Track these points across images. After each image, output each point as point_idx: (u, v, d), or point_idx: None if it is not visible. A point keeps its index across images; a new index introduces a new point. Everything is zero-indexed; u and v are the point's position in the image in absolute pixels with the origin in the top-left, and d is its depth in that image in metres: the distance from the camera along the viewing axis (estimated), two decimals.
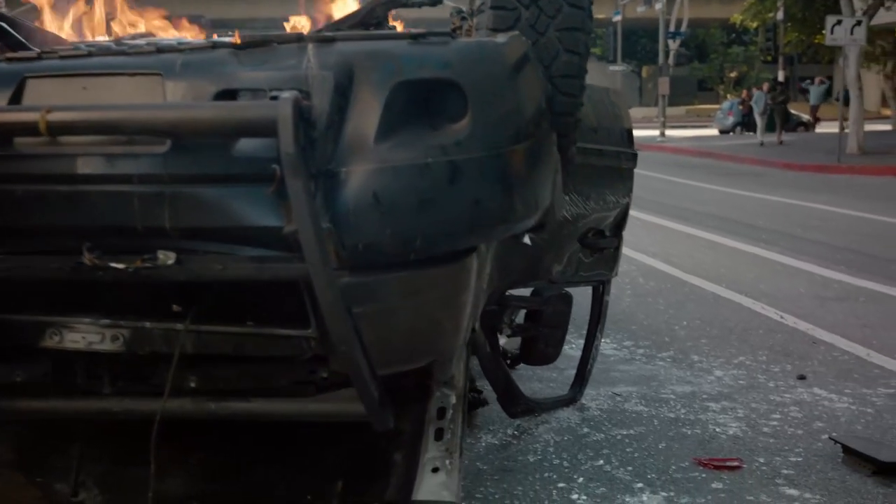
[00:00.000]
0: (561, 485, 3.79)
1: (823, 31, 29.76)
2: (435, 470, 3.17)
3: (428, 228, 2.50)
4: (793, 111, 36.09)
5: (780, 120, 28.52)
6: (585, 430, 4.44)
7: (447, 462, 3.19)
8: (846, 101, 22.64)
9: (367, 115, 2.48)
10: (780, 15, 31.73)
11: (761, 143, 27.17)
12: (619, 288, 7.89)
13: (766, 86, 30.22)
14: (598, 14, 45.78)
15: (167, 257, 2.43)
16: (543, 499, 3.67)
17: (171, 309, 2.59)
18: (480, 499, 3.66)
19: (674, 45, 37.78)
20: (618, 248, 4.71)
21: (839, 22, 20.50)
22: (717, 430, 4.45)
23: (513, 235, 3.54)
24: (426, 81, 2.53)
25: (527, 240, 3.58)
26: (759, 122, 28.99)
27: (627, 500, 3.66)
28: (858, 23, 20.47)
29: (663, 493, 3.72)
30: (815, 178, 19.11)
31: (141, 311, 2.69)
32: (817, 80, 34.51)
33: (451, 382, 3.43)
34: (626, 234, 4.66)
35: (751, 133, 32.20)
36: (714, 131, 36.53)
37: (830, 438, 4.21)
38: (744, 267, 8.82)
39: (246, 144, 2.44)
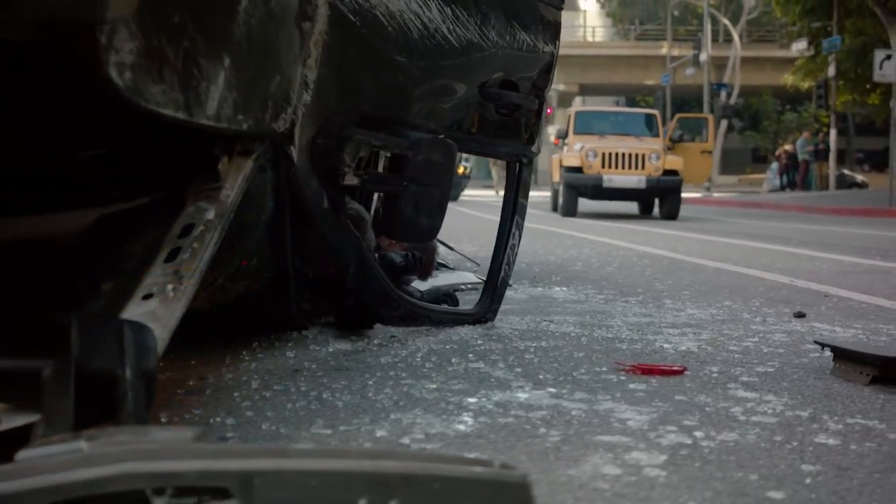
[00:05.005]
0: (407, 381, 2.59)
1: (878, 89, 28.55)
2: (148, 296, 2.01)
3: None
4: (846, 171, 34.68)
5: None
6: (480, 341, 3.23)
7: (170, 287, 2.03)
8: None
9: None
10: (831, 71, 30.45)
11: None
12: (603, 261, 6.69)
13: None
14: (648, 80, 45.13)
15: None
16: (368, 391, 2.47)
17: None
18: (279, 391, 2.47)
19: (722, 98, 36.30)
20: (539, 114, 3.54)
21: (889, 57, 19.21)
22: (666, 346, 3.21)
23: None
24: None
25: None
26: None
27: (492, 394, 2.44)
28: None
29: (551, 390, 2.50)
30: (863, 220, 17.67)
31: None
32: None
33: (215, 196, 2.29)
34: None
35: (799, 192, 30.61)
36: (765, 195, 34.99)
37: (816, 342, 2.96)
38: (760, 255, 7.55)
39: None
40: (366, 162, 3.01)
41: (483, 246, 6.51)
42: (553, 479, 1.75)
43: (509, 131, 3.44)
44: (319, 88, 2.67)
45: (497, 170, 28.37)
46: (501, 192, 3.86)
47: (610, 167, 15.61)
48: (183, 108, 1.99)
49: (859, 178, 33.93)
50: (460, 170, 23.26)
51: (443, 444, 1.99)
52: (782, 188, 33.46)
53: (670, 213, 15.81)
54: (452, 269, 5.19)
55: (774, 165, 36.40)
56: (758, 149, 54.01)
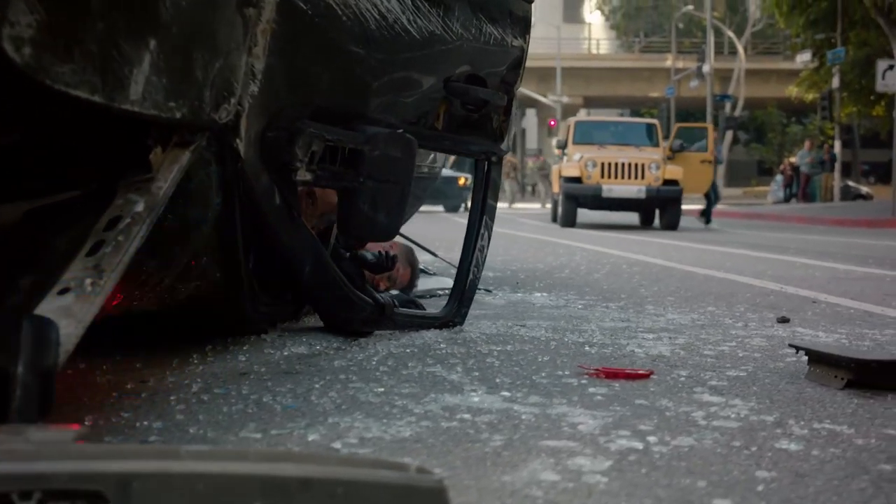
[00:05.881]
0: (356, 384, 2.46)
1: (882, 100, 28.38)
2: (64, 291, 1.89)
3: None
4: (850, 183, 34.47)
5: None
6: (443, 345, 3.10)
7: (88, 282, 1.92)
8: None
9: None
10: (835, 82, 30.27)
11: None
12: (591, 268, 6.56)
13: None
14: (652, 92, 44.87)
15: None
16: (312, 395, 2.34)
17: None
18: (219, 394, 2.34)
19: (727, 110, 36.20)
20: (508, 111, 3.42)
21: (891, 67, 19.07)
22: (637, 350, 3.08)
23: None
24: None
25: None
26: None
27: (441, 398, 2.32)
28: None
29: (505, 394, 2.37)
30: (865, 230, 17.50)
31: None
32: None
33: (146, 188, 2.18)
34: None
35: (802, 203, 30.41)
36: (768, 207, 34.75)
37: (791, 345, 2.83)
38: (754, 263, 7.41)
39: None
40: (327, 158, 2.88)
41: None
42: (484, 486, 1.63)
43: (477, 128, 3.33)
44: (268, 79, 2.56)
45: (510, 182, 28.10)
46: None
47: (609, 177, 15.45)
48: (100, 90, 1.87)
49: (864, 189, 33.66)
50: (461, 181, 23.07)
51: (375, 449, 1.86)
52: (787, 200, 33.25)
53: (670, 224, 15.63)
54: (433, 274, 5.07)
55: (779, 177, 36.22)
56: (763, 161, 53.77)
